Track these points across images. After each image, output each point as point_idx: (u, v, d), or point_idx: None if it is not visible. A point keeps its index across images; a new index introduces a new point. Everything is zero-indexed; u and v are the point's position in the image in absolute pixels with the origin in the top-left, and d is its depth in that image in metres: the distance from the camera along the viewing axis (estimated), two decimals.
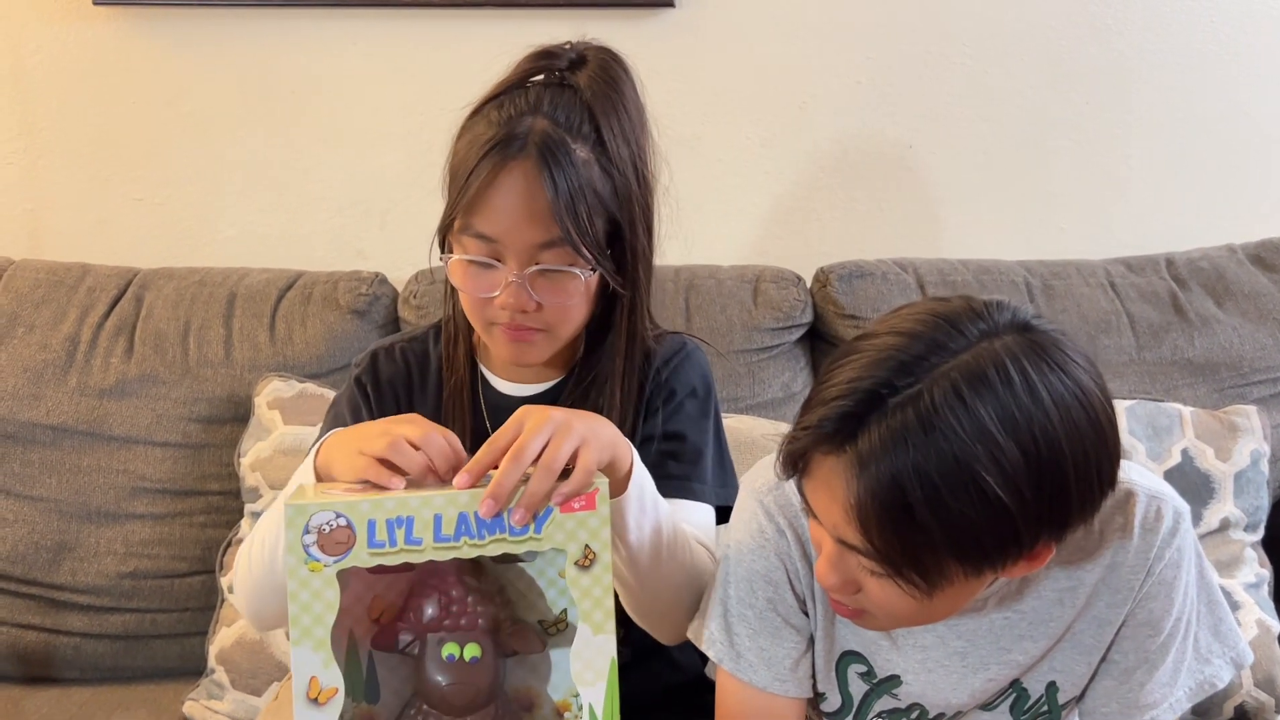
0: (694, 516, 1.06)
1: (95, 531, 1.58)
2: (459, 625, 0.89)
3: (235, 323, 1.65)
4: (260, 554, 0.98)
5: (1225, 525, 1.49)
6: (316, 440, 0.97)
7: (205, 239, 1.89)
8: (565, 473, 0.85)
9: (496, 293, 1.00)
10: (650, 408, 1.10)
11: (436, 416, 1.13)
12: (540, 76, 1.04)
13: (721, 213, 1.88)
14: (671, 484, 1.04)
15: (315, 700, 0.83)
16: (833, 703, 1.00)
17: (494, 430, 1.06)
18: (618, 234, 1.03)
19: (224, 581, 1.52)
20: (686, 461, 1.08)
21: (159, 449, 1.60)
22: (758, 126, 1.86)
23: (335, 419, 1.14)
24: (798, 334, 1.69)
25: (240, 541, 1.53)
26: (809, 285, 1.72)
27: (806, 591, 0.97)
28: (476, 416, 1.11)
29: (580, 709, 0.93)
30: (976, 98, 1.85)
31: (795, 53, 1.84)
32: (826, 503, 0.82)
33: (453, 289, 1.09)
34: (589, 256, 0.99)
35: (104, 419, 1.61)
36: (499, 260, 1.00)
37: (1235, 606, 1.44)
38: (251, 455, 1.54)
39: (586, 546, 0.85)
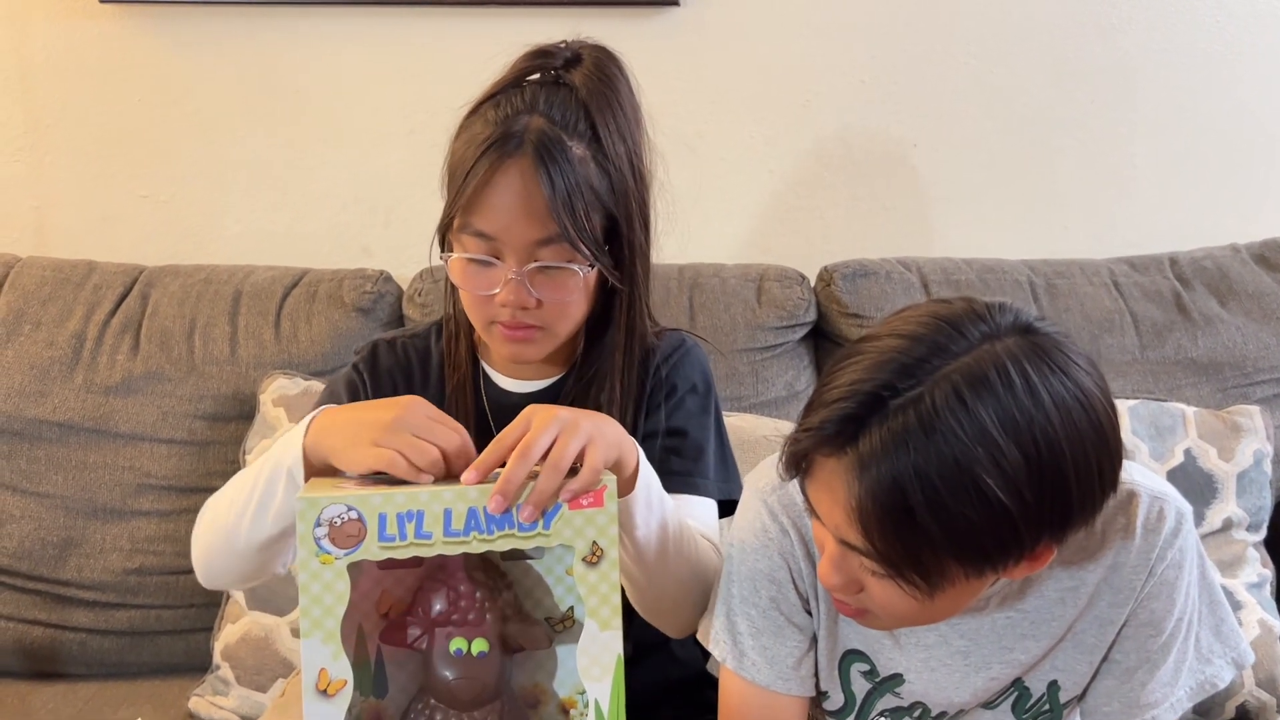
0: (697, 511, 1.07)
1: (101, 528, 1.59)
2: (467, 620, 0.89)
3: (240, 320, 1.66)
4: (223, 517, 0.99)
5: (1228, 525, 1.49)
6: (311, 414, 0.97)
7: (211, 236, 1.89)
8: (572, 470, 0.86)
9: (496, 290, 1.01)
10: (652, 403, 1.11)
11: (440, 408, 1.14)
12: (536, 75, 1.05)
13: (725, 211, 1.88)
14: (674, 479, 1.05)
15: (324, 692, 0.84)
16: (835, 701, 1.01)
17: (497, 427, 1.06)
18: (615, 230, 1.04)
19: None
20: (689, 457, 1.09)
21: (164, 446, 1.61)
22: (761, 125, 1.86)
23: (330, 398, 1.15)
24: (801, 333, 1.69)
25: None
26: (813, 284, 1.72)
27: (810, 590, 0.97)
28: (479, 413, 1.12)
29: (586, 705, 0.93)
30: (981, 96, 1.85)
31: (799, 51, 1.84)
32: (828, 504, 0.83)
33: (453, 287, 1.10)
34: (587, 252, 1.00)
35: (110, 416, 1.61)
36: (498, 258, 1.01)
37: (1237, 606, 1.44)
38: (257, 452, 1.54)
39: (594, 543, 0.85)
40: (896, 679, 0.98)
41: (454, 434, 0.89)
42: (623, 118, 1.03)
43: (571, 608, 0.94)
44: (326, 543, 0.83)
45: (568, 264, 1.01)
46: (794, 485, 0.95)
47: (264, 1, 1.81)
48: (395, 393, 1.15)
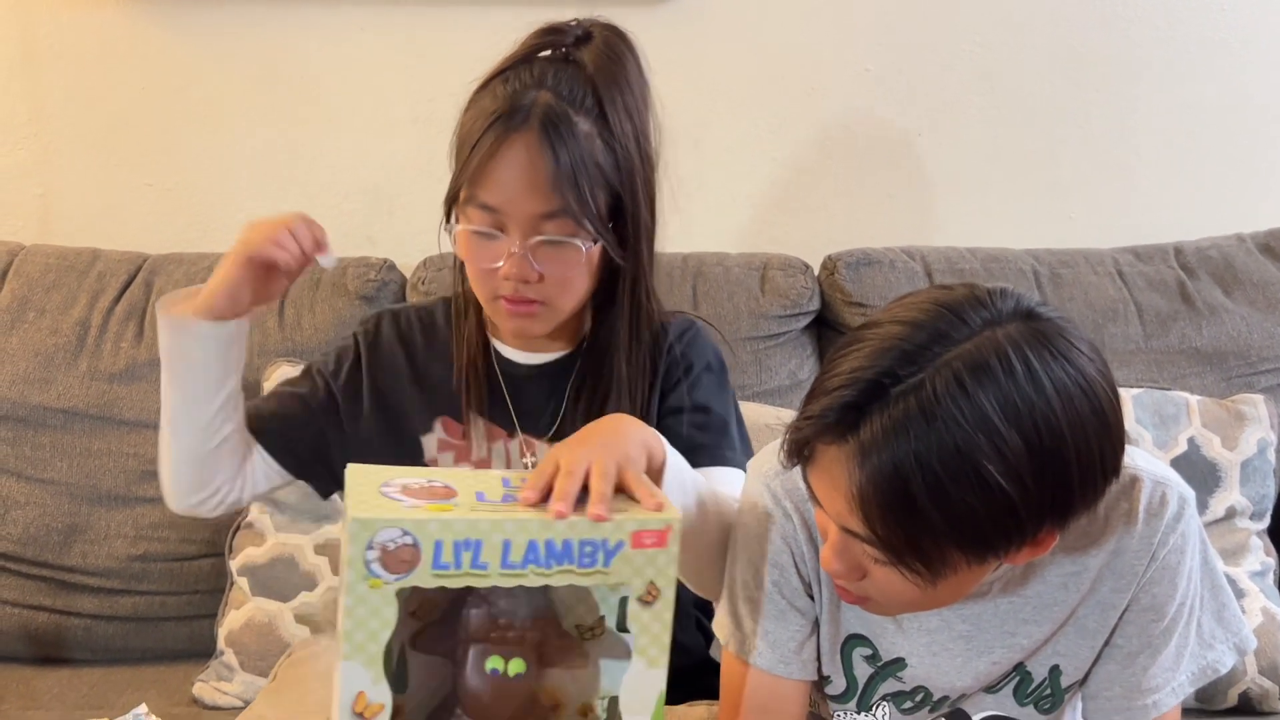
0: (729, 480, 1.07)
1: (105, 514, 1.59)
2: (506, 639, 0.87)
3: None
4: (162, 431, 1.10)
5: (1231, 514, 1.49)
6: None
7: (215, 224, 1.89)
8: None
9: (500, 263, 1.02)
10: (669, 381, 1.12)
11: (446, 378, 1.15)
12: (546, 52, 1.06)
13: (729, 200, 1.88)
14: (704, 453, 1.05)
15: (360, 715, 0.81)
16: (837, 686, 1.01)
17: (510, 395, 1.09)
18: (619, 207, 1.05)
19: (233, 565, 1.53)
20: (715, 431, 1.10)
21: None
22: (765, 113, 1.85)
23: (321, 360, 1.20)
24: (805, 321, 1.69)
25: (249, 526, 1.54)
26: (816, 273, 1.72)
27: (812, 575, 0.97)
28: (493, 385, 1.13)
29: (603, 711, 0.91)
30: (985, 85, 1.85)
31: (803, 40, 1.83)
32: (830, 491, 0.83)
33: (461, 265, 1.11)
34: (590, 228, 1.01)
35: (114, 403, 1.62)
36: (502, 231, 1.02)
37: (1240, 594, 1.44)
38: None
39: (651, 583, 0.83)
40: (899, 663, 0.98)
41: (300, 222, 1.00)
42: (630, 96, 1.04)
43: (603, 616, 0.91)
44: (378, 567, 0.79)
45: (570, 238, 1.01)
46: (797, 470, 0.95)
47: None
48: (394, 363, 1.17)
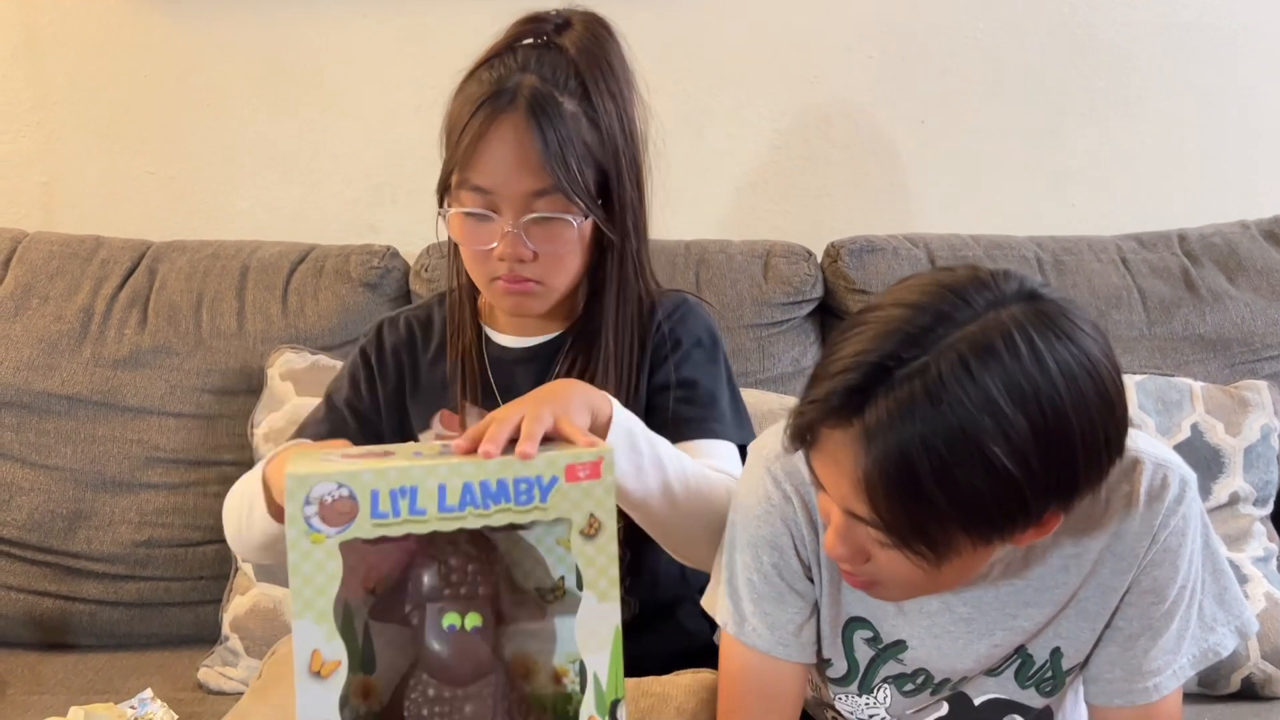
0: (717, 452, 1.08)
1: (110, 500, 1.59)
2: (459, 595, 0.88)
3: (248, 295, 1.66)
4: (233, 516, 1.08)
5: (1234, 500, 1.49)
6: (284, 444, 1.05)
7: (218, 212, 1.89)
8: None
9: (494, 244, 1.04)
10: (657, 358, 1.12)
11: (438, 373, 1.16)
12: (529, 39, 1.08)
13: (732, 187, 1.87)
14: (689, 426, 1.06)
15: (318, 674, 0.82)
16: (839, 669, 1.01)
17: (497, 382, 1.10)
18: (607, 185, 1.07)
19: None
20: (701, 404, 1.11)
21: (173, 419, 1.62)
22: (768, 101, 1.85)
23: (336, 387, 1.20)
24: (808, 309, 1.69)
25: None
26: (819, 260, 1.71)
27: (812, 558, 0.97)
28: (481, 372, 1.14)
29: (578, 674, 0.93)
30: (988, 72, 1.84)
31: (806, 27, 1.83)
32: (834, 475, 0.82)
33: (456, 254, 1.13)
34: (580, 203, 1.03)
35: (118, 389, 1.62)
36: (495, 212, 1.04)
37: (1244, 580, 1.44)
38: (265, 426, 1.55)
39: (591, 515, 0.84)
40: (899, 645, 0.98)
41: None
42: (613, 78, 1.07)
43: (562, 578, 0.93)
44: (317, 521, 0.80)
45: (562, 215, 1.03)
46: (798, 454, 0.95)
47: None
48: (400, 369, 1.18)
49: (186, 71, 1.85)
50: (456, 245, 1.11)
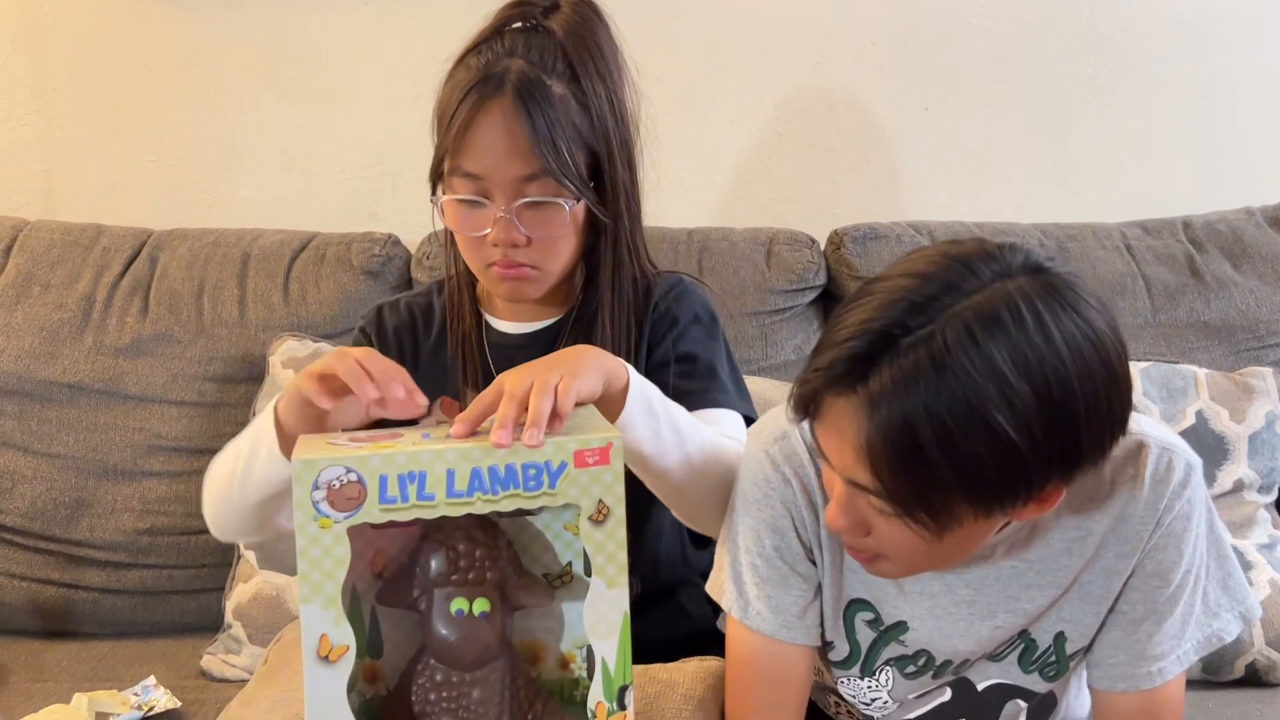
0: (722, 421, 1.08)
1: (112, 489, 1.59)
2: (467, 580, 0.88)
3: (249, 283, 1.66)
4: (220, 480, 1.04)
5: (1239, 487, 1.49)
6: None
7: (219, 200, 1.89)
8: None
9: (487, 230, 1.04)
10: (655, 337, 1.13)
11: (440, 360, 1.16)
12: (517, 24, 1.08)
13: (735, 174, 1.87)
14: (692, 398, 1.05)
15: (326, 658, 0.82)
16: (840, 651, 1.01)
17: (497, 368, 1.09)
18: (598, 167, 1.06)
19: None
20: (702, 377, 1.11)
21: (174, 407, 1.61)
22: (771, 87, 1.84)
23: None
24: (811, 296, 1.69)
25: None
26: (822, 247, 1.71)
27: (813, 539, 0.97)
28: (483, 359, 1.14)
29: (585, 660, 0.93)
30: (992, 59, 1.84)
31: (809, 13, 1.82)
32: (837, 444, 0.82)
33: (452, 241, 1.13)
34: (571, 186, 1.03)
35: (120, 378, 1.62)
36: (486, 198, 1.04)
37: (1248, 567, 1.44)
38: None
39: (600, 501, 0.84)
40: (901, 627, 0.98)
41: (379, 360, 0.90)
42: (601, 60, 1.07)
43: (570, 564, 0.93)
44: (325, 506, 0.80)
45: (554, 199, 1.03)
46: (795, 436, 0.95)
47: None
48: (401, 350, 1.18)
49: (187, 60, 1.84)
50: (452, 233, 1.11)
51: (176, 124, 1.87)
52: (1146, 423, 0.94)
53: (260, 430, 0.98)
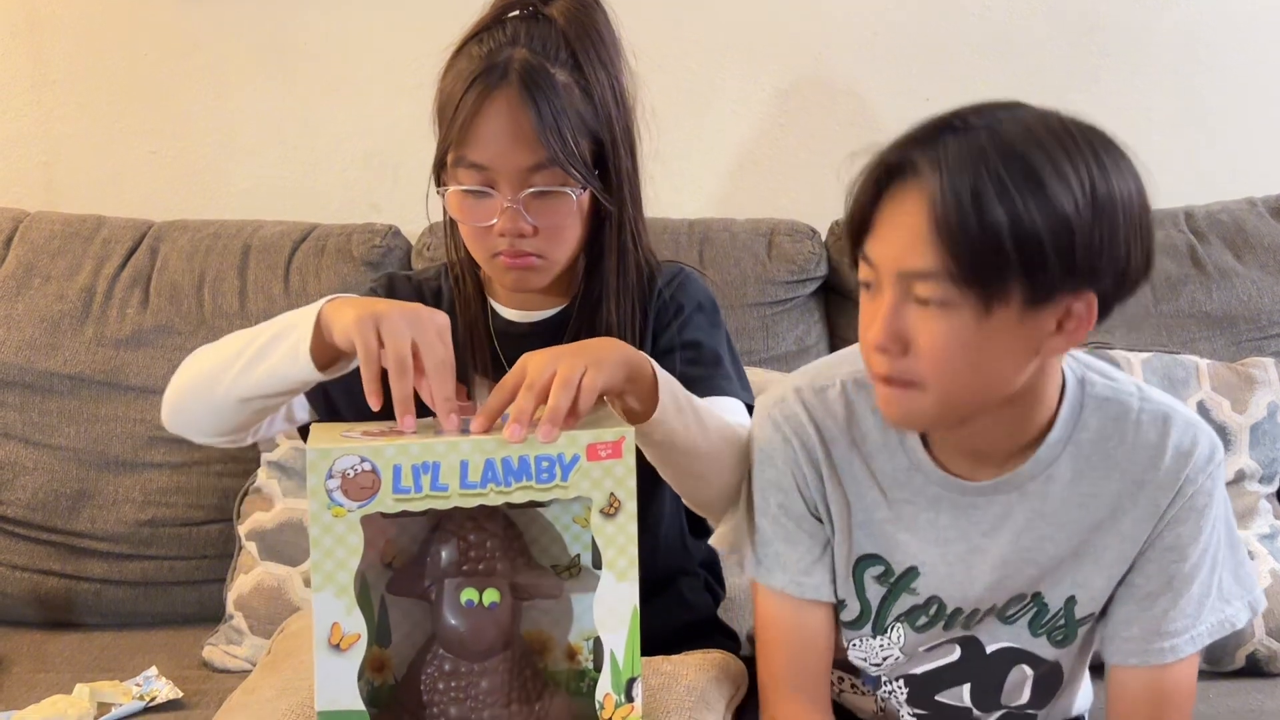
0: (728, 407, 1.08)
1: (113, 480, 1.59)
2: (477, 571, 0.89)
3: (250, 274, 1.66)
4: (208, 364, 1.02)
5: (1241, 477, 1.49)
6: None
7: (219, 192, 1.89)
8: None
9: (493, 220, 1.04)
10: (659, 324, 1.13)
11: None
12: (516, 12, 1.08)
13: (736, 165, 1.87)
14: (697, 386, 1.06)
15: (337, 646, 0.82)
16: (851, 610, 1.02)
17: (505, 357, 1.09)
18: (602, 154, 1.06)
19: (241, 530, 1.53)
20: (707, 364, 1.11)
21: None
22: (773, 78, 1.84)
23: None
24: (812, 287, 1.69)
25: (256, 491, 1.55)
26: (824, 238, 1.71)
27: (816, 497, 1.00)
28: (491, 345, 1.14)
29: (590, 652, 0.93)
30: (993, 49, 1.83)
31: (811, 3, 1.82)
32: (897, 234, 0.84)
33: (454, 231, 1.12)
34: (578, 175, 1.03)
35: (121, 369, 1.62)
36: (492, 188, 1.03)
37: (1250, 557, 1.43)
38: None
39: (612, 494, 0.85)
40: (911, 574, 1.00)
41: (441, 349, 0.89)
42: (602, 47, 1.06)
43: (578, 555, 0.94)
44: (339, 495, 0.80)
45: (560, 188, 1.03)
46: (793, 399, 0.99)
47: None
48: None
49: (188, 51, 1.84)
50: (453, 221, 1.11)
51: (177, 115, 1.87)
52: (1176, 401, 0.97)
53: (287, 327, 0.95)
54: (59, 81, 1.86)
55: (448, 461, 0.82)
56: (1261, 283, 1.63)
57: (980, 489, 0.96)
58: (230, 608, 1.51)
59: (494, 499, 0.83)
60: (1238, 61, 1.84)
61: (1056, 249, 0.81)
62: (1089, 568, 0.97)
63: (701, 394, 1.04)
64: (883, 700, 1.06)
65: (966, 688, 1.03)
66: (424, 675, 0.89)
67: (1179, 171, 1.86)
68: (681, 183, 1.84)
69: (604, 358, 0.89)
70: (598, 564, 0.88)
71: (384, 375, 0.88)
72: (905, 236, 0.84)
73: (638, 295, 1.12)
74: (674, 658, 1.05)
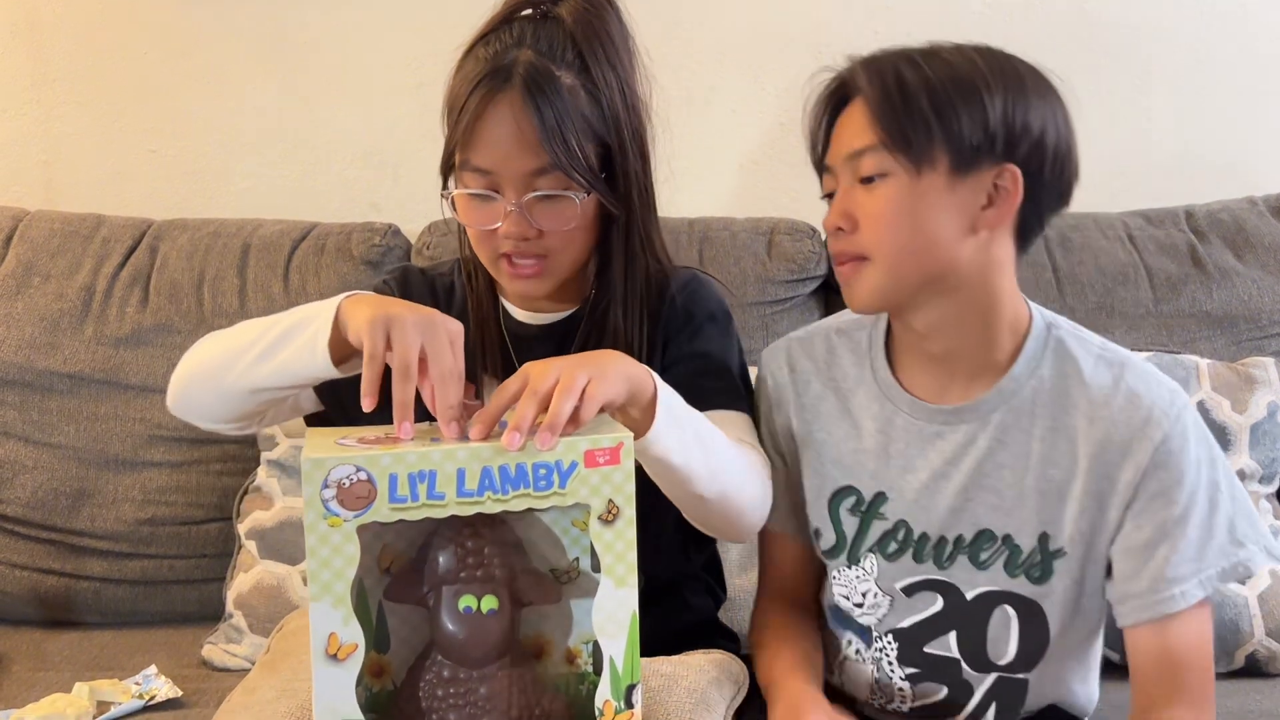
0: (734, 422, 1.08)
1: (113, 478, 1.60)
2: (475, 577, 0.88)
3: (249, 273, 1.66)
4: (219, 350, 1.02)
5: (1240, 477, 1.48)
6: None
7: (219, 191, 1.89)
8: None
9: (498, 224, 1.03)
10: (670, 331, 1.12)
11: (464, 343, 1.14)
12: (526, 12, 1.07)
13: (736, 164, 1.87)
14: (706, 397, 1.05)
15: (334, 656, 0.82)
16: (828, 539, 1.10)
17: (517, 357, 1.08)
18: (609, 158, 1.05)
19: (241, 528, 1.53)
20: (714, 375, 1.11)
21: None
22: (773, 77, 1.84)
23: None
24: (812, 286, 1.68)
25: (256, 490, 1.55)
26: (824, 237, 1.70)
27: (782, 436, 1.12)
28: (503, 345, 1.13)
29: (589, 656, 0.93)
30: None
31: (811, 3, 1.82)
32: (844, 134, 1.00)
33: (465, 230, 1.11)
34: (581, 180, 1.02)
35: (120, 368, 1.62)
36: (497, 191, 1.03)
37: None
38: None
39: (610, 501, 0.84)
40: (880, 499, 1.06)
41: (449, 357, 0.88)
42: (611, 47, 1.05)
43: (577, 559, 0.93)
44: (335, 505, 0.80)
45: (564, 192, 1.02)
46: (782, 346, 1.14)
47: None
48: None
49: (188, 50, 1.84)
50: None
51: (177, 114, 1.87)
52: (1140, 360, 1.03)
53: (304, 319, 0.95)
54: (59, 81, 1.86)
55: (444, 470, 0.81)
56: (1262, 282, 1.63)
57: (945, 415, 1.03)
58: (230, 606, 1.51)
59: (491, 507, 0.83)
60: (1237, 61, 1.84)
61: (968, 110, 0.95)
62: (1054, 505, 1.01)
63: (707, 407, 1.04)
64: (875, 660, 1.08)
65: (953, 636, 1.05)
66: (423, 682, 0.89)
67: (1179, 171, 1.86)
68: (681, 182, 1.81)
69: (607, 370, 0.88)
70: (596, 567, 0.87)
71: (386, 378, 0.88)
72: (851, 129, 0.99)
73: (647, 301, 1.11)
74: (674, 658, 1.05)
